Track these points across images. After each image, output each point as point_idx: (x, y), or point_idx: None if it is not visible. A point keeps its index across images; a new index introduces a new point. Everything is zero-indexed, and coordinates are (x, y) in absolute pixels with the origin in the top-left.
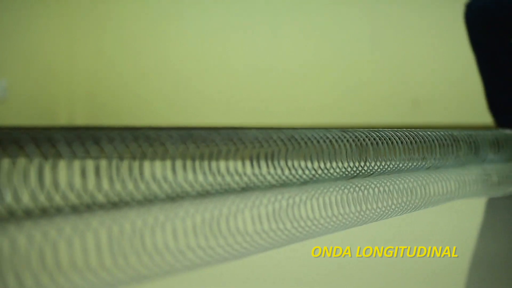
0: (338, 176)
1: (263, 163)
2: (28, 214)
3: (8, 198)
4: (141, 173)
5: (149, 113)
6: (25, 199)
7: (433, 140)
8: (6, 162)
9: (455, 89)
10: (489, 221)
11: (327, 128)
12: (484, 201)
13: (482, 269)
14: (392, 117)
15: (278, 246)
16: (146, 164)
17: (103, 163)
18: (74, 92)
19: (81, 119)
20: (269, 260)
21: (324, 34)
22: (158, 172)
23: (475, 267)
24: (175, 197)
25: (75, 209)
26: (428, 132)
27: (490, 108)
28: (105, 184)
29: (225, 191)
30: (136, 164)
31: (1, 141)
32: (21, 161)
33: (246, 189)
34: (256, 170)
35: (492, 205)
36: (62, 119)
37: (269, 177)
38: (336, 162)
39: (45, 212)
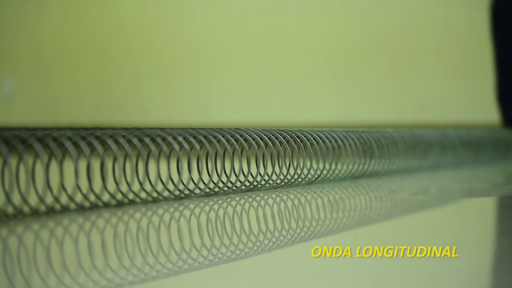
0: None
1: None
2: (35, 213)
3: (16, 197)
4: (147, 172)
5: (154, 112)
6: (32, 199)
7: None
8: (14, 161)
9: (459, 87)
10: (490, 220)
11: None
12: (486, 201)
13: (483, 269)
14: (396, 115)
15: (283, 246)
16: (151, 163)
17: (109, 162)
18: (79, 91)
19: (86, 118)
20: (269, 260)
21: (324, 33)
22: (164, 171)
23: (476, 267)
24: (180, 196)
25: (81, 208)
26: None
27: (499, 101)
28: (111, 184)
29: (230, 191)
30: (141, 163)
31: (9, 141)
32: (29, 161)
33: (250, 189)
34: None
35: (496, 205)
36: (67, 119)
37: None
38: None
39: (52, 211)
